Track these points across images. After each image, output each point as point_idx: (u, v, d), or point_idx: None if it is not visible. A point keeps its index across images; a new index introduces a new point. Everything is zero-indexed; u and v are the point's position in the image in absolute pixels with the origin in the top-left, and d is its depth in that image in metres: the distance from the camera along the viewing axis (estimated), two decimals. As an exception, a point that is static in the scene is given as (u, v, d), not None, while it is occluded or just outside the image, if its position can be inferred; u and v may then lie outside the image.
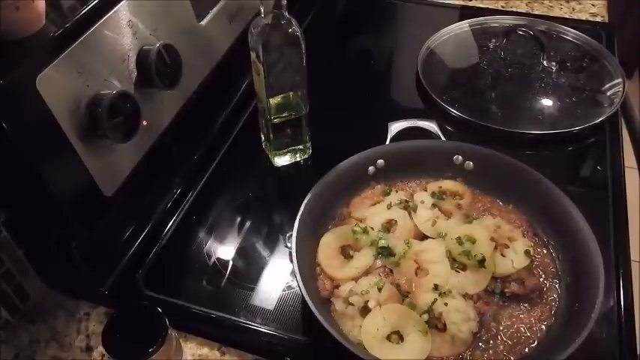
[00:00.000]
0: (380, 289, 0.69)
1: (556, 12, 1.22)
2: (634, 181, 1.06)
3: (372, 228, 0.75)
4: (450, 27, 1.14)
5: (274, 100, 0.84)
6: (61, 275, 0.78)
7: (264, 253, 0.81)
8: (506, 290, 0.70)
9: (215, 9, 0.90)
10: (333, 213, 0.80)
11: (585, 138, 0.94)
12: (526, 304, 0.69)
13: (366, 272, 0.72)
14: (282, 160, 0.92)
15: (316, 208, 0.76)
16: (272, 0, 0.75)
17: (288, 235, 0.81)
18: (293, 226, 0.72)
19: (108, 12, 0.69)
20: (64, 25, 0.64)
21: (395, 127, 0.89)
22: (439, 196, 0.80)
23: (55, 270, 0.77)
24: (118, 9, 0.70)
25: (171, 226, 0.84)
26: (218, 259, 0.80)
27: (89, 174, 0.68)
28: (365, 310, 0.68)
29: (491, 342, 0.66)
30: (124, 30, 0.71)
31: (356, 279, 0.71)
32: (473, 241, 0.72)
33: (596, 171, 0.90)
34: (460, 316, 0.66)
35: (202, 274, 0.78)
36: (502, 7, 1.24)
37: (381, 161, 0.83)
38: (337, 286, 0.71)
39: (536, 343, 0.66)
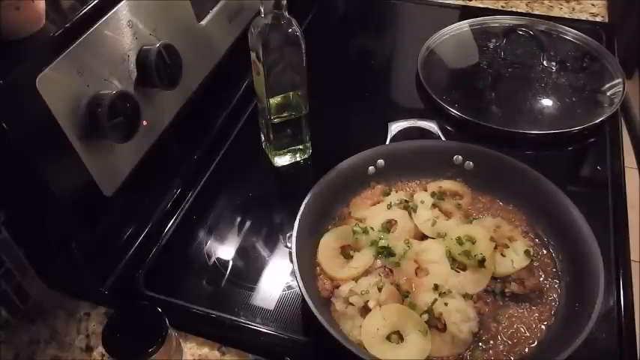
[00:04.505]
0: (380, 289, 0.69)
1: (556, 12, 1.22)
2: (634, 181, 1.06)
3: (372, 228, 0.75)
4: (450, 27, 1.14)
5: (274, 100, 0.84)
6: (61, 275, 0.78)
7: (264, 253, 0.81)
8: (506, 290, 0.70)
9: (215, 9, 0.90)
10: (333, 213, 0.80)
11: (585, 138, 0.94)
12: (526, 304, 0.69)
13: (366, 272, 0.72)
14: (282, 160, 0.92)
15: (316, 208, 0.76)
16: (272, 0, 0.75)
17: (288, 235, 0.81)
18: (293, 226, 0.72)
19: (108, 12, 0.69)
20: (64, 25, 0.64)
21: (395, 127, 0.89)
22: (439, 196, 0.80)
23: (55, 270, 0.77)
24: (118, 9, 0.70)
25: (171, 226, 0.84)
26: (218, 259, 0.80)
27: (89, 174, 0.68)
28: (365, 310, 0.68)
29: (491, 342, 0.66)
30: (124, 30, 0.71)
31: (356, 279, 0.71)
32: (473, 241, 0.72)
33: (596, 171, 0.90)
34: (460, 316, 0.66)
35: (202, 274, 0.78)
36: (502, 7, 1.24)
37: (381, 161, 0.83)
38: (337, 286, 0.71)
39: (536, 343, 0.66)
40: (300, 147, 0.91)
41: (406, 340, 0.65)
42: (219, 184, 0.91)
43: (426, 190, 0.82)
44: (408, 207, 0.78)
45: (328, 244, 0.75)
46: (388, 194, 0.81)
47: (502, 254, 0.72)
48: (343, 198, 0.82)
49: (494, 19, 1.16)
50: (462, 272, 0.71)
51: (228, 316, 0.73)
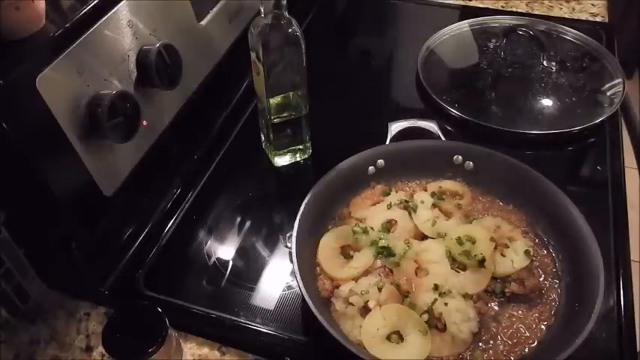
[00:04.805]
0: (380, 289, 0.69)
1: (556, 12, 1.22)
2: (634, 181, 1.06)
3: (372, 228, 0.75)
4: (450, 27, 1.14)
5: (274, 100, 0.84)
6: (61, 275, 0.78)
7: (264, 253, 0.81)
8: (506, 290, 0.70)
9: (215, 9, 0.90)
10: (333, 213, 0.80)
11: (585, 138, 0.94)
12: (526, 304, 0.69)
13: (366, 272, 0.72)
14: (282, 160, 0.92)
15: (316, 208, 0.76)
16: (272, 0, 0.75)
17: (288, 235, 0.81)
18: (293, 226, 0.72)
19: (108, 12, 0.69)
20: (64, 25, 0.64)
21: (395, 127, 0.88)
22: (439, 196, 0.80)
23: (55, 270, 0.77)
24: (118, 9, 0.70)
25: (171, 226, 0.84)
26: (218, 259, 0.80)
27: (89, 174, 0.68)
28: (365, 310, 0.68)
29: (491, 342, 0.66)
30: (124, 30, 0.71)
31: (356, 279, 0.71)
32: (473, 241, 0.72)
33: (596, 171, 0.90)
34: (460, 316, 0.66)
35: (202, 274, 0.78)
36: (502, 7, 1.24)
37: (381, 161, 0.83)
38: (337, 286, 0.71)
39: (536, 343, 0.66)
40: (300, 147, 0.91)
41: (406, 340, 0.65)
42: (219, 184, 0.91)
43: (426, 190, 0.82)
44: (408, 207, 0.78)
45: (328, 244, 0.75)
46: (388, 194, 0.81)
47: (502, 254, 0.72)
48: (343, 198, 0.82)
49: (494, 19, 1.16)
50: (462, 272, 0.71)
51: (228, 316, 0.73)
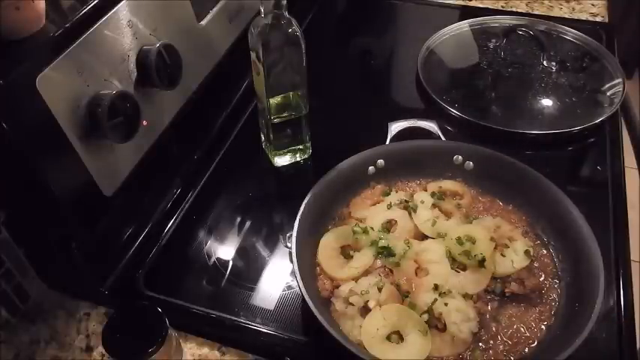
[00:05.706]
0: (380, 289, 0.69)
1: (556, 12, 1.22)
2: (634, 181, 1.06)
3: (372, 228, 0.75)
4: (450, 27, 1.14)
5: (274, 100, 0.84)
6: (61, 275, 0.78)
7: (264, 253, 0.81)
8: (506, 290, 0.70)
9: (215, 9, 0.90)
10: (333, 213, 0.80)
11: (585, 138, 0.94)
12: (526, 304, 0.69)
13: (366, 272, 0.72)
14: (282, 160, 0.92)
15: (316, 208, 0.76)
16: (272, 0, 0.75)
17: (288, 235, 0.81)
18: (293, 226, 0.72)
19: (108, 12, 0.69)
20: (64, 25, 0.64)
21: (395, 127, 0.89)
22: (439, 196, 0.80)
23: (55, 270, 0.77)
24: (118, 9, 0.70)
25: (171, 226, 0.84)
26: (218, 259, 0.80)
27: (89, 174, 0.68)
28: (365, 310, 0.68)
29: (491, 342, 0.66)
30: (124, 30, 0.71)
31: (356, 279, 0.71)
32: (473, 241, 0.72)
33: (596, 171, 0.90)
34: (460, 316, 0.66)
35: (202, 274, 0.78)
36: (502, 7, 1.24)
37: (381, 161, 0.83)
38: (337, 286, 0.71)
39: (536, 343, 0.66)
40: (300, 147, 0.91)
41: (406, 340, 0.65)
42: (219, 184, 0.91)
43: (426, 190, 0.82)
44: (408, 207, 0.78)
45: (328, 244, 0.75)
46: (388, 194, 0.81)
47: (502, 254, 0.72)
48: (343, 198, 0.82)
49: (494, 19, 1.16)
50: (462, 272, 0.71)
51: (228, 316, 0.73)
